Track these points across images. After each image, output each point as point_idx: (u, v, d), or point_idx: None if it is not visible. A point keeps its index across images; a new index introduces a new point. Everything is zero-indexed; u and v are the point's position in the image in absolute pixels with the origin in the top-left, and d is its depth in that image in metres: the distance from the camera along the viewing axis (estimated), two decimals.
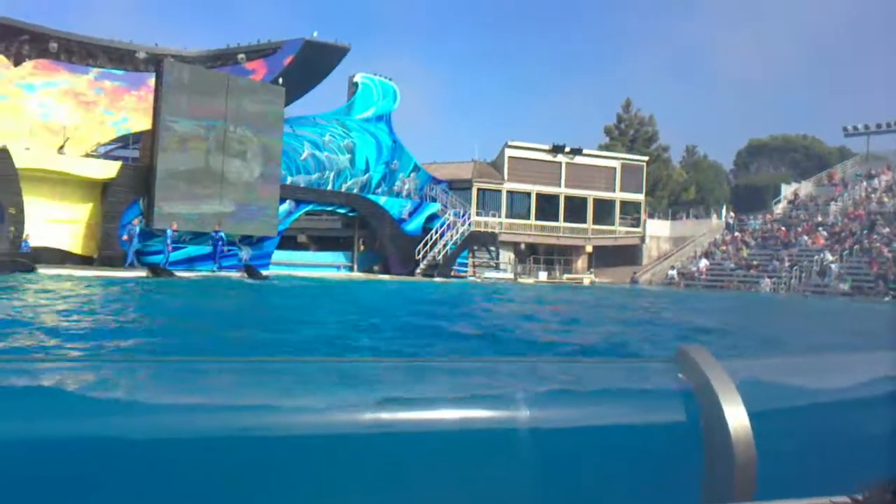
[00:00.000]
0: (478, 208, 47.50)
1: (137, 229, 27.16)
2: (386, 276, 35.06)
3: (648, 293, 38.99)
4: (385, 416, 1.39)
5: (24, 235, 25.84)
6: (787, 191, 59.58)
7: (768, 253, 50.36)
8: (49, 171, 26.96)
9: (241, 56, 33.40)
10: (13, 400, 1.33)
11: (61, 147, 27.83)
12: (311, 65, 34.53)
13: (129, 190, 28.56)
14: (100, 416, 1.33)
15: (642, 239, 55.83)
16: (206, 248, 29.74)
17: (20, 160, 26.08)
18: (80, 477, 1.27)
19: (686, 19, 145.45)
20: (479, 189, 49.29)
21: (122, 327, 11.70)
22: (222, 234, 29.48)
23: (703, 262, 52.03)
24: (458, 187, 45.86)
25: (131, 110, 29.65)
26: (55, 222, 27.01)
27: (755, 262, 49.78)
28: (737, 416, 1.49)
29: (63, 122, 28.16)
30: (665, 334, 14.26)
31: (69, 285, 18.99)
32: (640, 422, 1.56)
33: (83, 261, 27.03)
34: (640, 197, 57.14)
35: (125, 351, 8.85)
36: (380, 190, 38.69)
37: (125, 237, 27.25)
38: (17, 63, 27.35)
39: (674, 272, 51.49)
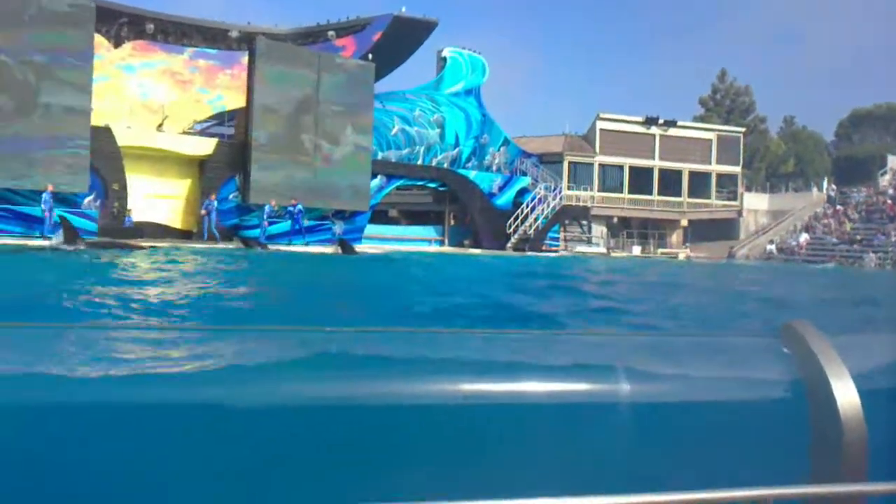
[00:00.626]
0: (569, 182, 47.05)
1: (215, 205, 27.64)
2: (477, 251, 35.02)
3: (747, 268, 38.07)
4: (485, 386, 1.39)
5: (126, 211, 26.72)
6: (893, 162, 57.21)
7: (873, 227, 48.58)
8: (149, 148, 27.82)
9: (330, 33, 33.74)
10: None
11: (160, 125, 28.67)
12: (399, 40, 34.65)
13: (226, 166, 29.27)
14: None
15: (739, 213, 54.54)
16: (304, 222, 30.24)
17: (122, 138, 26.99)
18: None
19: None
20: (570, 162, 48.84)
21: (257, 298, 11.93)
22: (300, 206, 29.86)
23: (804, 237, 50.52)
24: (549, 161, 45.45)
25: (225, 88, 30.31)
26: (156, 198, 27.86)
27: (859, 237, 48.10)
28: (846, 393, 1.42)
29: (161, 101, 28.98)
30: (767, 309, 13.85)
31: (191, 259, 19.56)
32: (745, 398, 1.51)
33: (182, 235, 27.81)
34: (737, 169, 55.75)
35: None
36: (470, 164, 38.65)
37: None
38: (116, 45, 28.24)
39: (772, 247, 50.14)
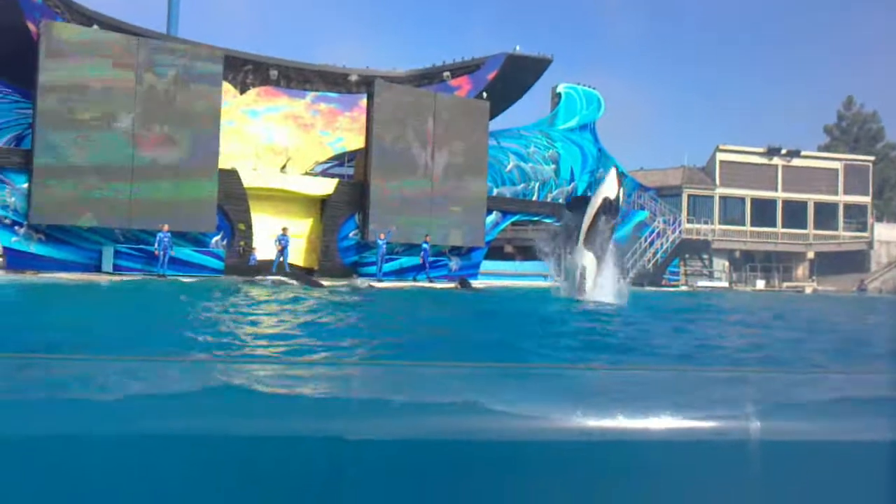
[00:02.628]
0: (688, 215, 46.15)
1: (288, 239, 27.92)
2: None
3: (880, 302, 36.36)
4: (606, 423, 1.38)
5: (252, 249, 27.74)
6: None
7: None
8: (273, 189, 28.89)
9: (446, 74, 34.29)
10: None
11: (283, 167, 29.69)
12: (514, 78, 34.92)
13: (346, 205, 30.10)
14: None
15: (870, 244, 52.19)
16: (417, 260, 30.65)
17: (247, 180, 28.14)
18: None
19: None
20: (689, 195, 47.93)
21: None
22: (426, 245, 30.29)
23: None
24: (667, 194, 44.77)
25: (345, 130, 31.17)
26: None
27: None
28: None
29: (284, 144, 30.03)
30: None
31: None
32: (876, 438, 1.45)
33: (308, 272, 28.60)
34: (867, 199, 53.49)
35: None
36: None
37: (277, 247, 27.79)
38: (242, 91, 29.47)
39: None
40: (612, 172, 22.63)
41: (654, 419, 1.40)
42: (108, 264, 24.94)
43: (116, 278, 23.61)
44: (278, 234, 27.94)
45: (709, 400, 1.50)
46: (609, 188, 21.98)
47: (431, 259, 30.87)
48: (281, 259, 27.55)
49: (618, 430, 1.37)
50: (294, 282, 24.46)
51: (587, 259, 21.29)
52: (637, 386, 1.59)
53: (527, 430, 1.36)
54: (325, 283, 24.95)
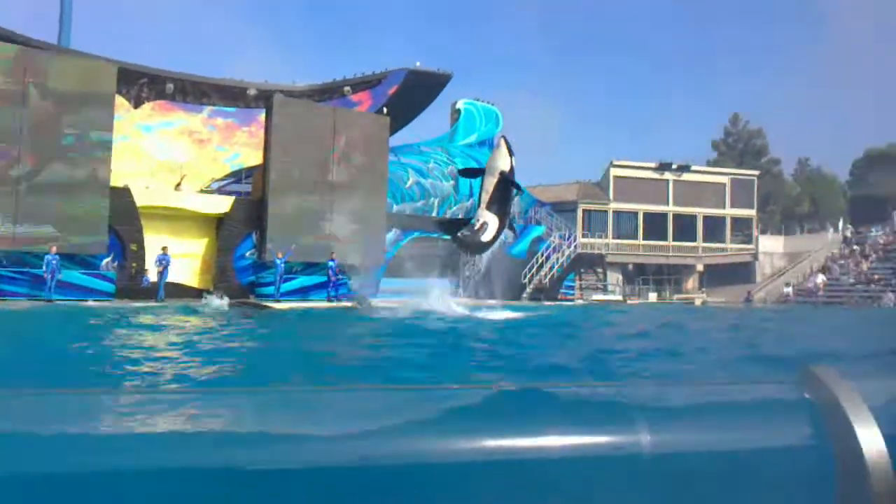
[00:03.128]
0: (583, 230, 47.13)
1: (169, 259, 26.97)
2: (492, 301, 35.01)
3: (765, 312, 37.86)
4: (502, 442, 1.37)
5: (144, 270, 26.88)
6: None
7: (891, 266, 48.28)
8: (167, 207, 28.06)
9: (346, 89, 34.11)
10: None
11: (178, 184, 28.92)
12: (414, 93, 35.00)
13: (243, 224, 29.44)
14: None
15: (755, 256, 54.34)
16: (318, 278, 30.30)
17: (140, 198, 27.23)
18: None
19: (791, 24, 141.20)
20: (584, 210, 48.93)
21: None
22: (332, 263, 29.96)
23: (821, 278, 50.25)
24: (563, 209, 45.59)
25: (243, 146, 30.62)
26: (174, 257, 28.03)
27: (877, 276, 47.80)
28: (872, 441, 1.38)
29: (179, 160, 29.26)
30: (787, 354, 13.78)
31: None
32: (765, 446, 1.47)
33: (199, 294, 27.90)
34: (752, 212, 55.71)
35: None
36: None
37: (158, 268, 26.79)
38: (136, 105, 28.63)
39: (789, 289, 49.90)
40: (502, 143, 23.23)
41: (548, 436, 1.41)
42: None
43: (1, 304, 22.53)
44: (158, 253, 26.89)
45: (600, 414, 1.51)
46: (502, 161, 22.73)
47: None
48: (165, 280, 26.66)
49: (512, 448, 1.38)
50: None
51: (489, 218, 22.30)
52: (530, 403, 1.59)
53: (423, 452, 1.37)
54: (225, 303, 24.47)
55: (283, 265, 28.83)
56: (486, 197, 22.73)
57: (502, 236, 24.90)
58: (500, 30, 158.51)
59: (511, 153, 23.03)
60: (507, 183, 22.85)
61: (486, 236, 22.49)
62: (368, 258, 32.14)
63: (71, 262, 25.07)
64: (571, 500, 1.39)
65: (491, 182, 22.56)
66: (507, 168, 22.69)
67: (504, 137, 23.46)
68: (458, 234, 26.31)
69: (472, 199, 38.39)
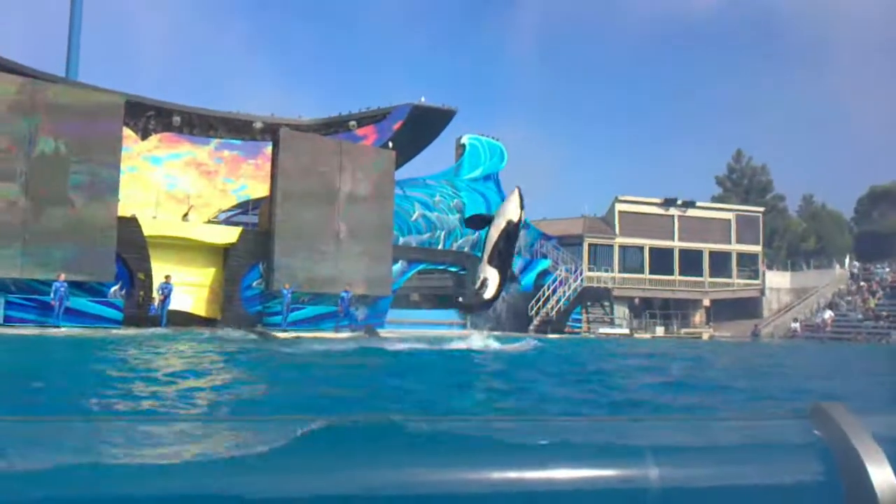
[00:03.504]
0: (589, 263, 47.08)
1: (172, 287, 27.12)
2: (498, 333, 34.91)
3: (772, 347, 37.67)
4: (508, 474, 1.37)
5: (151, 299, 26.94)
6: None
7: None
8: (174, 237, 28.21)
9: (352, 123, 34.43)
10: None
11: (185, 215, 29.09)
12: (419, 128, 35.30)
13: (249, 254, 29.56)
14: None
15: (762, 291, 54.17)
16: (326, 308, 30.36)
17: (148, 228, 27.40)
18: None
19: (795, 65, 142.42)
20: (590, 244, 48.94)
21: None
22: (346, 294, 30.12)
23: (828, 314, 50.06)
24: (569, 243, 45.62)
25: (249, 178, 30.84)
26: (180, 286, 28.10)
27: (884, 313, 47.59)
28: (883, 478, 1.37)
29: (187, 191, 29.48)
30: (796, 390, 13.69)
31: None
32: (774, 482, 1.46)
33: (207, 323, 27.93)
34: (758, 248, 55.63)
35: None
36: None
37: (160, 297, 26.93)
38: (144, 137, 28.91)
39: (796, 325, 49.66)
40: (515, 193, 23.11)
41: (556, 469, 1.39)
42: None
43: (10, 331, 22.58)
44: (161, 282, 27.02)
45: (609, 448, 1.50)
46: (512, 211, 22.57)
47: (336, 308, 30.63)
48: (167, 308, 26.69)
49: (518, 480, 1.36)
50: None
51: (490, 274, 22.08)
52: (539, 435, 1.57)
53: (429, 483, 1.34)
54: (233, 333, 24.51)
55: (289, 295, 28.91)
56: (489, 248, 22.54)
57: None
58: (504, 66, 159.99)
59: (522, 205, 22.96)
60: (512, 235, 22.59)
61: (488, 293, 22.30)
62: (375, 289, 32.20)
63: (79, 289, 25.16)
64: None
65: (497, 231, 22.36)
66: (515, 218, 22.46)
67: (518, 188, 23.49)
68: (460, 300, 27.24)
69: (477, 233, 38.53)
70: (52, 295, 24.15)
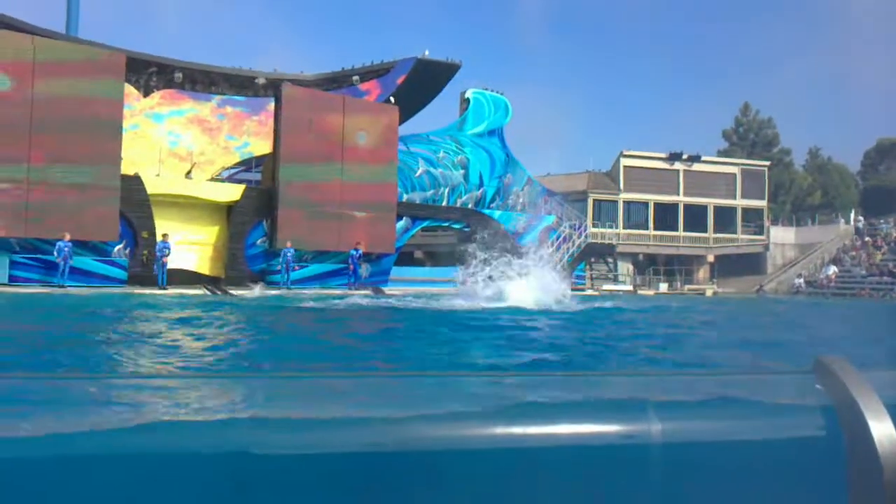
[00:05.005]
0: (594, 220, 47.00)
1: (169, 247, 26.74)
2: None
3: (777, 303, 37.72)
4: (507, 429, 1.36)
5: (154, 259, 26.91)
6: None
7: None
8: (178, 195, 28.15)
9: (355, 78, 34.10)
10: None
11: (188, 172, 28.97)
12: (423, 83, 34.96)
13: (253, 212, 29.55)
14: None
15: (766, 247, 54.09)
16: (331, 266, 30.41)
17: (151, 186, 27.33)
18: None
19: (802, 14, 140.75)
20: (594, 200, 48.82)
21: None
22: (356, 252, 30.16)
23: (832, 270, 50.06)
24: (573, 199, 45.46)
25: (252, 135, 30.63)
26: (184, 245, 28.12)
27: (890, 268, 47.54)
28: (885, 433, 1.36)
29: (189, 149, 29.32)
30: (799, 345, 13.72)
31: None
32: (776, 437, 1.46)
33: (210, 281, 27.97)
34: (763, 203, 55.48)
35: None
36: (494, 204, 38.76)
37: (163, 258, 26.50)
38: (146, 94, 28.65)
39: (800, 281, 49.70)
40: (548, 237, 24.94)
41: (558, 425, 1.40)
42: (2, 275, 23.86)
43: (12, 290, 22.64)
44: (158, 241, 26.84)
45: (611, 403, 1.51)
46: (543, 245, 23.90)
47: (341, 266, 30.65)
48: (166, 268, 26.57)
49: (521, 436, 1.37)
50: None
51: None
52: (541, 391, 1.59)
53: (432, 439, 1.36)
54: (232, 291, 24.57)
55: (290, 253, 28.85)
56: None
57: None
58: (509, 20, 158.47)
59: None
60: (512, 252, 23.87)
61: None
62: (378, 247, 32.20)
63: (83, 248, 25.18)
64: (581, 487, 1.39)
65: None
66: (535, 251, 24.63)
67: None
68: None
69: (482, 189, 38.40)
70: (55, 254, 24.16)
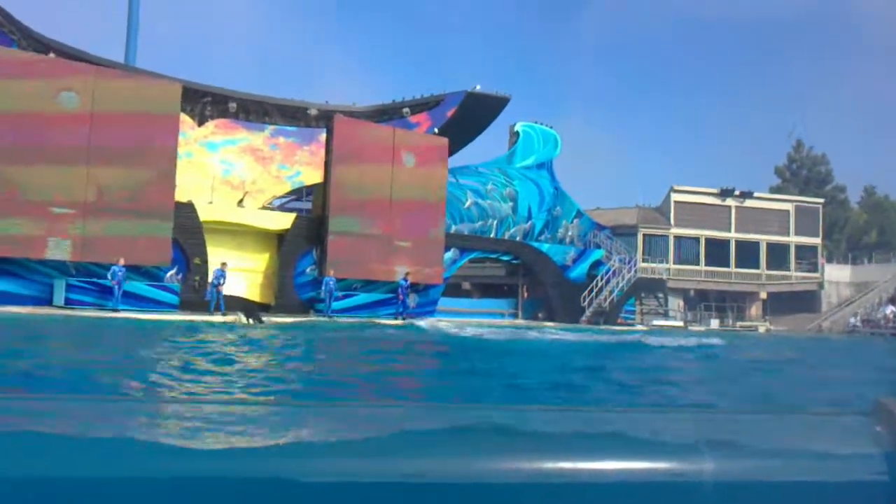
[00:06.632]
0: (644, 254, 46.58)
1: (224, 275, 26.91)
2: (550, 324, 34.72)
3: (834, 342, 36.95)
4: (553, 465, 1.33)
5: (207, 284, 27.25)
6: None
7: None
8: (230, 223, 28.54)
9: (405, 110, 34.38)
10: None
11: (241, 200, 29.39)
12: (473, 116, 35.12)
13: (303, 240, 29.84)
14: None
15: (820, 285, 53.10)
16: (378, 295, 30.51)
17: (204, 213, 27.76)
18: None
19: (856, 52, 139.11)
20: (644, 235, 48.42)
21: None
22: (404, 283, 30.32)
23: (890, 309, 48.94)
24: (622, 233, 45.17)
25: (304, 164, 31.01)
26: (235, 271, 28.41)
27: None
28: None
29: (242, 177, 29.76)
30: (858, 386, 13.37)
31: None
32: (833, 480, 1.40)
33: (261, 308, 28.20)
34: (817, 240, 54.53)
35: None
36: (542, 237, 38.65)
37: (218, 285, 26.74)
38: (200, 123, 29.21)
39: (856, 320, 48.67)
40: None
41: (609, 461, 1.37)
42: (59, 298, 24.32)
43: (68, 312, 23.04)
44: (216, 268, 27.17)
45: (663, 441, 1.46)
46: None
47: (389, 296, 30.72)
48: (222, 295, 26.84)
49: (571, 471, 1.34)
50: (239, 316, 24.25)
51: None
52: (590, 426, 1.54)
53: (479, 472, 1.32)
54: (276, 319, 24.76)
55: (332, 282, 28.91)
56: None
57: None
58: (560, 54, 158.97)
59: None
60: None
61: None
62: (426, 277, 32.25)
63: (136, 273, 25.58)
64: None
65: None
66: None
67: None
68: None
69: (530, 221, 38.34)
70: (109, 277, 24.57)
